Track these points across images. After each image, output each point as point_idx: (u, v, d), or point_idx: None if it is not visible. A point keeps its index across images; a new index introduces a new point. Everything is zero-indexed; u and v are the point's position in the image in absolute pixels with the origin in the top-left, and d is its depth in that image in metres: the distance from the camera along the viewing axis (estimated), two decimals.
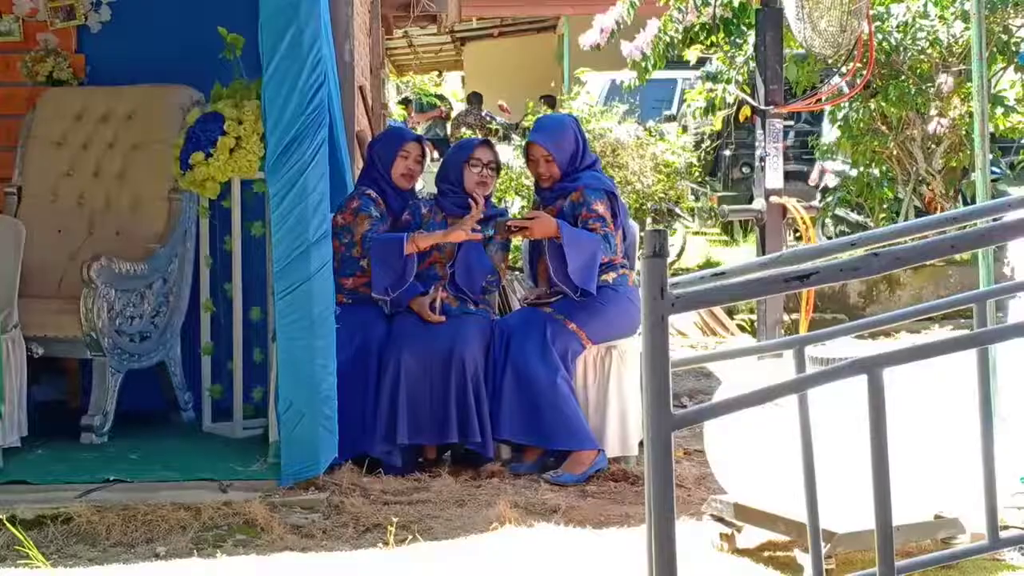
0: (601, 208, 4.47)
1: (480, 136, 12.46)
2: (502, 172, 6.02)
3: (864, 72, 5.56)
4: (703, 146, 10.91)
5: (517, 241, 8.18)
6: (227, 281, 4.96)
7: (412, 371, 4.39)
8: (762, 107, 4.93)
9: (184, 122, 5.02)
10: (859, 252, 2.45)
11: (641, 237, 9.53)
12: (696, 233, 11.96)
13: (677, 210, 9.95)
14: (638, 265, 4.95)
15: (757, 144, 4.90)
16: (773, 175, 4.87)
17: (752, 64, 7.28)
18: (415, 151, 4.84)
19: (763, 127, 4.88)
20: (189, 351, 5.17)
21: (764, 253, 5.03)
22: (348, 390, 4.32)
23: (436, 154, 13.68)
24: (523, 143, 10.10)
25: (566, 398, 4.39)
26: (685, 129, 10.99)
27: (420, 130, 16.37)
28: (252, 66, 4.71)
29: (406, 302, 4.60)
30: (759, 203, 5.00)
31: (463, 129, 13.54)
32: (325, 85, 4.13)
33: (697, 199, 11.52)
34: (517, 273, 7.76)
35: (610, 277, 4.58)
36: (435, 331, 4.48)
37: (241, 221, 4.90)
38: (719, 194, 11.85)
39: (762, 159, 4.90)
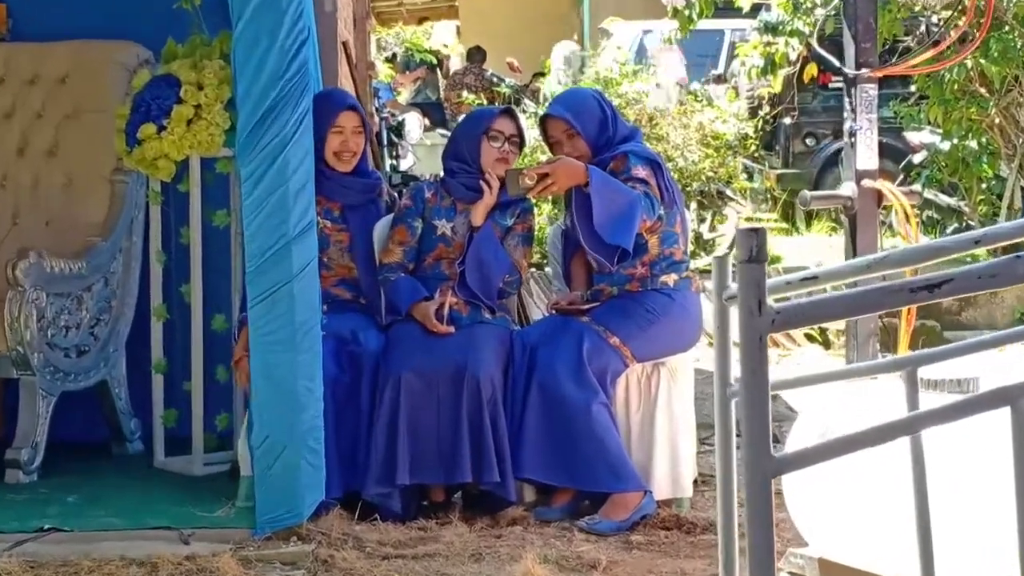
0: (644, 173, 4.51)
1: (484, 100, 12.45)
2: None
3: (978, 29, 5.54)
4: (760, 114, 10.91)
5: (540, 232, 8.15)
6: (184, 282, 4.95)
7: (414, 394, 4.39)
8: (852, 71, 4.91)
9: (130, 87, 5.02)
10: (983, 251, 2.44)
11: (695, 232, 9.45)
12: (749, 218, 11.94)
13: (728, 192, 9.95)
14: (693, 264, 4.97)
15: (847, 116, 4.88)
16: (866, 153, 4.85)
17: (823, 10, 7.27)
18: (351, 122, 4.78)
19: (852, 94, 4.87)
20: (137, 369, 5.16)
21: (855, 249, 5.02)
22: (336, 417, 4.33)
23: (427, 121, 13.68)
24: (538, 111, 10.16)
25: (605, 428, 4.39)
26: (737, 92, 10.98)
27: (405, 94, 16.35)
28: (214, 18, 4.73)
29: (406, 308, 4.61)
30: (848, 188, 4.98)
31: (464, 92, 13.53)
32: (309, 41, 4.14)
33: (751, 178, 11.50)
34: (534, 271, 7.76)
35: (671, 279, 4.59)
36: (442, 345, 4.48)
37: (201, 209, 4.89)
38: (778, 171, 11.86)
39: (852, 134, 4.89)
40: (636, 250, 4.54)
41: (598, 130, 4.67)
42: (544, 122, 4.82)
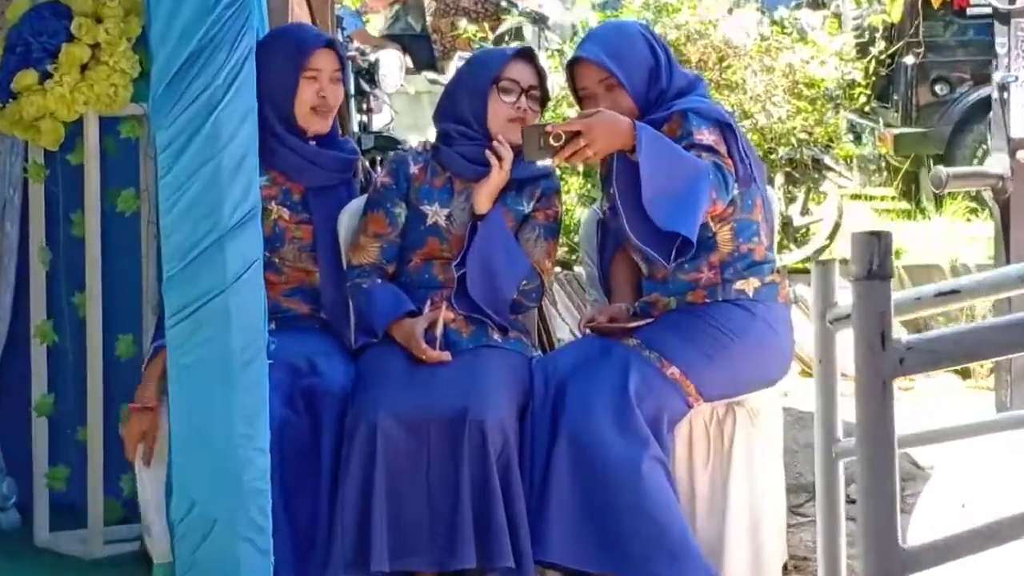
0: (710, 138, 4.49)
1: (489, 33, 12.43)
2: None
3: None
4: (872, 51, 10.89)
5: (569, 219, 8.13)
6: (77, 290, 4.98)
7: (395, 447, 4.38)
8: (1004, 2, 4.90)
9: (2, 19, 5.02)
10: None
11: (783, 215, 9.35)
12: (857, 196, 11.91)
13: (827, 160, 9.94)
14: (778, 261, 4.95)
15: (996, 62, 4.87)
16: (1023, 114, 4.84)
17: None
18: (330, 65, 4.81)
19: (1003, 32, 4.86)
20: (11, 410, 5.18)
21: (1007, 246, 5.01)
22: (287, 479, 4.34)
23: (409, 60, 13.68)
24: (564, 48, 10.10)
25: (660, 493, 4.38)
26: (840, 22, 10.95)
27: (379, 22, 16.34)
28: None
29: (384, 327, 4.62)
30: (998, 162, 4.97)
31: (461, 22, 13.53)
32: None
33: (859, 140, 11.48)
34: (560, 272, 7.76)
35: (749, 287, 4.59)
36: (434, 378, 4.48)
37: (101, 188, 4.91)
38: (896, 130, 11.83)
39: (1003, 87, 4.88)
40: (701, 246, 4.53)
41: (648, 81, 4.67)
42: (573, 67, 4.82)
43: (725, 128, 4.59)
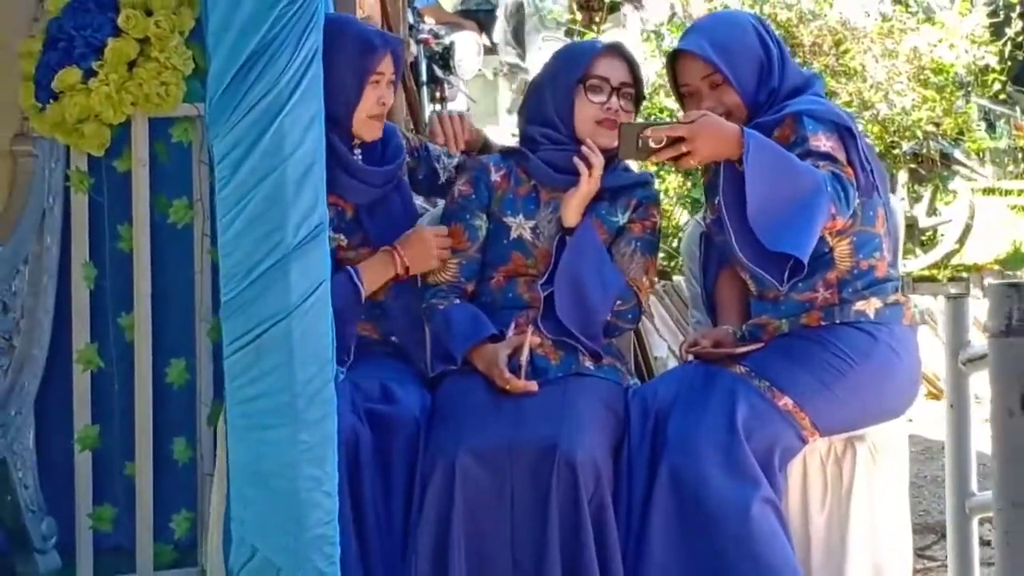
0: (828, 143, 4.48)
1: (573, 10, 12.41)
2: None
3: None
4: (1007, 32, 10.81)
5: (667, 222, 8.12)
6: (124, 311, 5.02)
7: (476, 488, 4.39)
8: None
9: (42, 10, 5.05)
10: None
11: (908, 215, 9.28)
12: (990, 190, 11.83)
13: (957, 154, 9.89)
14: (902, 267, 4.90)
15: None
16: None
17: None
18: (390, 67, 4.79)
19: None
20: (52, 443, 5.19)
21: None
22: (356, 522, 4.36)
23: (486, 39, 13.65)
24: (661, 30, 10.06)
25: (771, 538, 4.36)
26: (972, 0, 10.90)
27: None
28: None
29: (463, 353, 4.64)
30: None
31: None
32: None
33: (992, 129, 11.40)
34: (657, 281, 7.76)
35: (871, 307, 4.58)
36: (519, 410, 4.49)
37: (151, 198, 4.96)
38: None
39: None
40: (817, 263, 4.53)
41: (758, 78, 4.67)
42: (675, 61, 4.82)
43: (844, 132, 4.58)
